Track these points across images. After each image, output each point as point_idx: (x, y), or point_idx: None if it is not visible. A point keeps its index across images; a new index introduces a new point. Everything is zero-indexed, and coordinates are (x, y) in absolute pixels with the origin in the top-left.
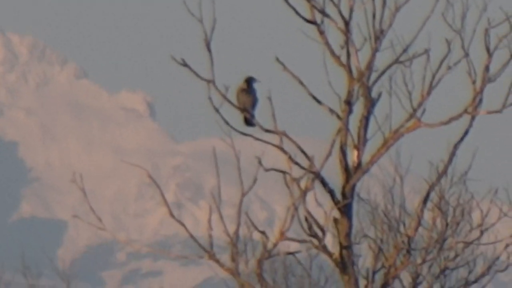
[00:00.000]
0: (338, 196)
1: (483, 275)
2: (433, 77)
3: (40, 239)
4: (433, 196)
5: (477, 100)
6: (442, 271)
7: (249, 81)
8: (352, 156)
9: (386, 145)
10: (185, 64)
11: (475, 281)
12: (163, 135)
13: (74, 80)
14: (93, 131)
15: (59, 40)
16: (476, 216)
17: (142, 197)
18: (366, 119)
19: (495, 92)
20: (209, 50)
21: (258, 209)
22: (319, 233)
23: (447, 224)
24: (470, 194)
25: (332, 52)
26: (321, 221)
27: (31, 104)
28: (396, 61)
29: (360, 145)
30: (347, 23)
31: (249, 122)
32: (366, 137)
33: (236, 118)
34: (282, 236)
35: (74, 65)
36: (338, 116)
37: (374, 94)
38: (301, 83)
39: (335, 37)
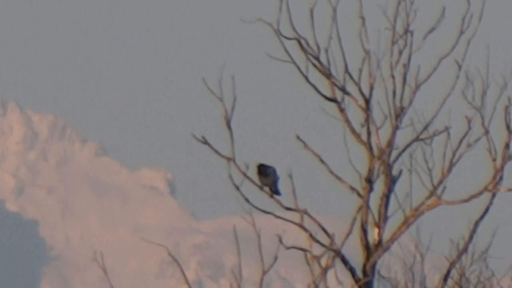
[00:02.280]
0: (359, 274)
1: None
2: (454, 154)
3: None
4: (454, 273)
5: (497, 177)
6: None
7: (260, 167)
8: (373, 234)
9: (406, 223)
10: (205, 142)
11: None
12: (183, 213)
13: (94, 157)
14: (113, 209)
15: (79, 118)
16: None
17: (162, 275)
18: (386, 197)
19: None
20: (229, 127)
21: (279, 287)
22: None
23: None
24: (490, 272)
25: (353, 130)
26: None
27: (51, 182)
28: (417, 138)
29: (380, 223)
30: (367, 101)
31: (275, 192)
32: (387, 215)
33: (256, 196)
34: None
35: (95, 143)
36: (358, 194)
37: (394, 171)
38: (321, 161)
39: (356, 115)
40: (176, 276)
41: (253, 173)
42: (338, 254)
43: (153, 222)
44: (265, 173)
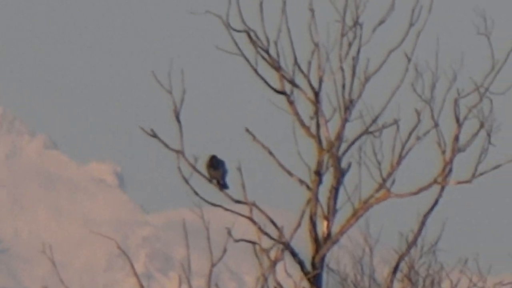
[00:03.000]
0: (308, 266)
1: None
2: (403, 147)
3: None
4: (403, 266)
5: (446, 170)
6: None
7: (212, 159)
8: (322, 227)
9: (355, 215)
10: (154, 135)
11: None
12: (132, 206)
13: (43, 151)
14: (62, 202)
15: (28, 111)
16: (446, 287)
17: (111, 268)
18: (335, 190)
19: (465, 162)
20: (178, 120)
21: (228, 279)
22: None
23: None
24: (439, 265)
25: (302, 123)
26: None
27: (0, 175)
28: (366, 131)
29: (329, 216)
30: (316, 94)
31: (223, 186)
32: (336, 208)
33: (205, 188)
34: None
35: (43, 136)
36: (308, 187)
37: (343, 164)
38: (270, 153)
39: (305, 107)
40: (125, 269)
41: (202, 165)
42: (287, 247)
43: (102, 215)
44: (215, 165)
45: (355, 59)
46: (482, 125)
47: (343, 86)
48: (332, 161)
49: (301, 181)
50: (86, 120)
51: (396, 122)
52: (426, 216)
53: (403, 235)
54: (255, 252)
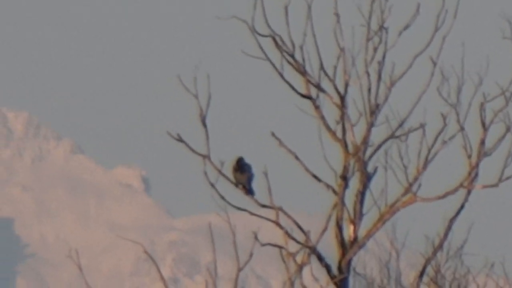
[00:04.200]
0: (334, 270)
1: None
2: (429, 151)
3: None
4: (429, 270)
5: (473, 174)
6: None
7: (239, 161)
8: (348, 231)
9: (382, 219)
10: (180, 140)
11: None
12: (159, 211)
13: (69, 155)
14: (89, 207)
15: (54, 116)
16: None
17: (138, 273)
18: (362, 194)
19: (491, 166)
20: (204, 125)
21: (255, 284)
22: None
23: None
24: (466, 268)
25: (328, 127)
26: None
27: (26, 180)
28: (392, 135)
29: (356, 220)
30: (342, 98)
31: (249, 191)
32: (362, 212)
33: (231, 193)
34: None
35: (69, 141)
36: (334, 191)
37: (370, 168)
38: (297, 158)
39: (331, 112)
40: (151, 273)
41: (229, 169)
42: (313, 251)
43: (128, 219)
44: (241, 169)
45: (381, 63)
46: (508, 129)
47: (369, 91)
48: (358, 165)
49: (327, 186)
50: (112, 124)
51: (422, 126)
52: (452, 220)
53: (429, 239)
54: (281, 256)
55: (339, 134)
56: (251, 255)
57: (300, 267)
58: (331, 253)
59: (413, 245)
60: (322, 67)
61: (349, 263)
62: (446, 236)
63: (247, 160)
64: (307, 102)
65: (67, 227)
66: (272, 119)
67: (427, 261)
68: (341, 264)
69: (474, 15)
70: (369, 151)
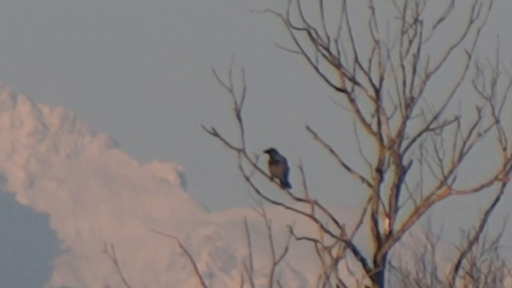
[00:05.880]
0: (370, 264)
1: None
2: (464, 144)
3: None
4: (465, 263)
5: (508, 167)
6: None
7: (270, 152)
8: (384, 224)
9: (417, 213)
10: (215, 134)
11: None
12: (194, 205)
13: (105, 150)
14: (124, 201)
15: (89, 111)
16: (508, 283)
17: (173, 267)
18: (397, 187)
19: None
20: (239, 119)
21: (290, 278)
22: None
23: None
24: (501, 261)
25: (363, 120)
26: None
27: (62, 174)
28: (427, 128)
29: (391, 213)
30: (377, 91)
31: (285, 184)
32: (397, 205)
33: (267, 187)
34: None
35: (105, 136)
36: (369, 184)
37: (405, 162)
38: (332, 151)
39: (366, 105)
40: (187, 268)
41: (263, 161)
42: (349, 244)
43: (164, 214)
44: (276, 161)
45: (416, 56)
46: None
47: (404, 84)
48: (393, 158)
49: (363, 179)
50: (148, 119)
51: (457, 119)
52: (487, 213)
53: (465, 232)
54: (317, 250)
55: (374, 127)
56: (286, 249)
57: (336, 261)
58: (367, 246)
59: (448, 238)
60: (357, 60)
61: (384, 256)
62: (481, 229)
63: (282, 153)
64: (342, 95)
65: (103, 221)
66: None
67: (463, 254)
68: (376, 257)
69: (509, 6)
70: (404, 144)
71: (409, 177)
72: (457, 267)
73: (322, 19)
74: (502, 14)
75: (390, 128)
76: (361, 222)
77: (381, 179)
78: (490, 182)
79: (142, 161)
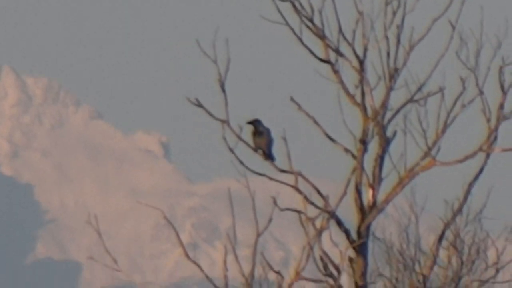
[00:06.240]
0: (354, 235)
1: None
2: (448, 115)
3: (56, 281)
4: (448, 234)
5: (491, 138)
6: None
7: (254, 122)
8: (367, 195)
9: (401, 184)
10: (199, 105)
11: None
12: (178, 176)
13: (89, 121)
14: (108, 172)
15: (73, 82)
16: (491, 254)
17: (158, 239)
18: (381, 158)
19: (510, 129)
20: (223, 90)
21: (274, 249)
22: (335, 273)
23: (462, 263)
24: (485, 232)
25: (347, 91)
26: (337, 260)
27: (46, 145)
28: (411, 99)
29: (375, 184)
30: (361, 62)
31: (269, 156)
32: (381, 176)
33: (251, 158)
34: (298, 276)
35: (89, 107)
36: (353, 155)
37: (389, 133)
38: (315, 122)
39: (350, 76)
40: (171, 239)
41: (247, 132)
42: (332, 215)
43: (148, 185)
44: (260, 132)
45: (400, 27)
46: None
47: (388, 55)
48: (377, 129)
49: (347, 150)
50: (132, 90)
51: (441, 90)
52: (471, 184)
53: (449, 203)
54: (300, 221)
55: (358, 98)
56: (270, 220)
57: (319, 232)
58: (350, 218)
59: (432, 210)
60: (341, 31)
61: (368, 227)
62: (465, 200)
63: (266, 125)
64: (326, 66)
65: (87, 192)
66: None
67: (446, 225)
68: (360, 228)
69: None
70: (388, 115)
71: (393, 148)
72: (440, 238)
73: None
74: None
75: (374, 99)
76: (345, 193)
77: (365, 150)
78: (474, 153)
79: (126, 132)
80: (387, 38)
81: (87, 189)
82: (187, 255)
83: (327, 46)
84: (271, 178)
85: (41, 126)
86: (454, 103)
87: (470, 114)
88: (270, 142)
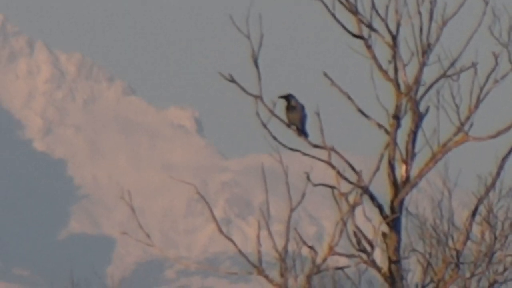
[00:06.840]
0: (387, 210)
1: None
2: (481, 90)
3: (89, 256)
4: (482, 209)
5: None
6: (491, 285)
7: (287, 97)
8: (401, 171)
9: (434, 159)
10: (232, 80)
11: None
12: (211, 151)
13: (121, 96)
14: (141, 148)
15: (106, 57)
16: None
17: (191, 214)
18: (414, 134)
19: None
20: (256, 65)
21: (307, 224)
22: (368, 248)
23: (495, 238)
24: None
25: (380, 67)
26: (370, 235)
27: (79, 121)
28: (444, 75)
29: (408, 160)
30: (394, 38)
31: (302, 132)
32: (414, 151)
33: (284, 133)
34: (331, 251)
35: (122, 82)
36: (386, 131)
37: (422, 108)
38: (349, 97)
39: (383, 52)
40: (204, 214)
41: (281, 107)
42: (365, 191)
43: (181, 160)
44: (293, 107)
45: (433, 2)
46: None
47: (421, 30)
48: (410, 104)
49: (380, 125)
50: (165, 65)
51: (474, 65)
52: (504, 159)
53: (482, 179)
54: (334, 196)
55: (391, 73)
56: (303, 195)
57: (353, 207)
58: (384, 193)
59: (465, 185)
60: (374, 7)
61: (401, 202)
62: (498, 175)
63: (299, 100)
64: (359, 42)
65: (120, 168)
66: (324, 60)
67: (479, 201)
68: (393, 204)
69: None
70: (421, 90)
71: (426, 123)
72: (474, 214)
73: None
74: None
75: (407, 75)
76: (378, 168)
77: (398, 126)
78: (507, 128)
79: (159, 108)
80: (420, 13)
81: (120, 165)
82: (220, 230)
83: (360, 21)
84: (304, 154)
85: (74, 102)
86: (487, 79)
87: (503, 89)
88: (303, 117)
